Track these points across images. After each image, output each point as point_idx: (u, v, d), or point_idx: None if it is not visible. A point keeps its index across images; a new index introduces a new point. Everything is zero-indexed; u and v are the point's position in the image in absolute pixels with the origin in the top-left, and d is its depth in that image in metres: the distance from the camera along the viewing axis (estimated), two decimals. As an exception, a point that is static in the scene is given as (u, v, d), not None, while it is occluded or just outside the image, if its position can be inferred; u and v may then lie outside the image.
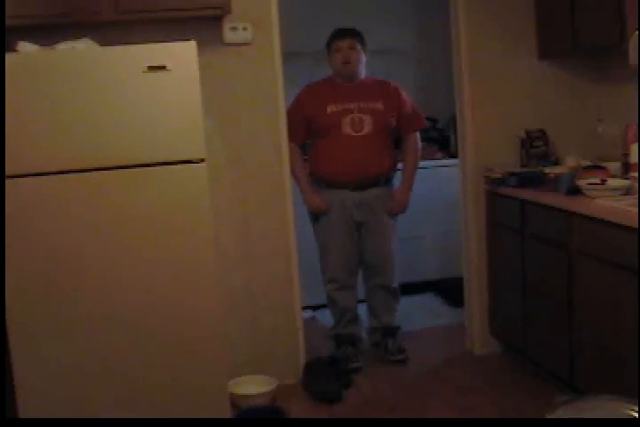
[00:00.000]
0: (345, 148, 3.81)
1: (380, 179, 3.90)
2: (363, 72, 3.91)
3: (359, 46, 3.86)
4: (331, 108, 3.81)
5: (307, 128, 3.86)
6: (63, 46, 2.90)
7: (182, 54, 2.87)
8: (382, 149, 3.88)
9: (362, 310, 4.13)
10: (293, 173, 3.84)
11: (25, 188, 2.81)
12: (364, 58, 3.88)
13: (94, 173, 2.85)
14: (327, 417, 3.39)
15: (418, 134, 4.06)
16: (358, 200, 3.87)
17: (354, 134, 3.80)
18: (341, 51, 3.84)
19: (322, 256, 3.99)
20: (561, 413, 1.91)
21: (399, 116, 3.91)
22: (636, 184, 3.18)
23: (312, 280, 4.17)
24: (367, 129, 3.81)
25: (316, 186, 3.92)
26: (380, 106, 3.84)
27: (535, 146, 3.86)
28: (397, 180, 4.03)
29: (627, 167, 3.44)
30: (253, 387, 3.52)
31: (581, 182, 3.33)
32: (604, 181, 3.30)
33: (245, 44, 3.51)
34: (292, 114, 3.79)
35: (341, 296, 3.97)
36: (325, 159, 3.86)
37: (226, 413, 3.07)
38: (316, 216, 3.94)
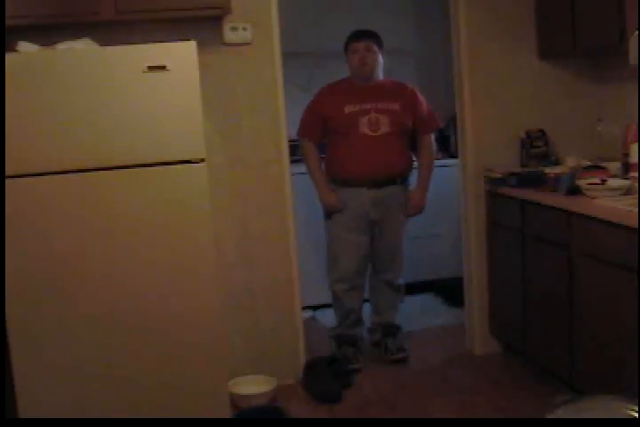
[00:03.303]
0: (362, 147, 3.82)
1: (397, 178, 3.91)
2: (380, 73, 3.92)
3: (375, 48, 3.86)
4: (348, 108, 3.82)
5: (324, 127, 3.87)
6: (63, 46, 2.91)
7: (182, 54, 2.87)
8: (399, 149, 3.89)
9: (364, 309, 4.12)
10: (309, 170, 3.88)
11: (25, 188, 2.81)
12: (380, 59, 3.89)
13: (94, 173, 2.85)
14: (327, 417, 3.40)
15: (432, 136, 4.07)
16: (374, 198, 3.87)
17: (371, 134, 3.81)
18: (358, 52, 3.85)
19: (331, 254, 3.97)
20: (561, 413, 1.91)
21: (415, 118, 3.92)
22: (636, 184, 3.18)
23: (312, 280, 4.16)
24: (384, 129, 3.82)
25: (332, 184, 3.92)
26: (396, 107, 3.85)
27: (535, 146, 3.86)
28: (413, 178, 4.02)
29: (627, 167, 3.44)
30: (253, 387, 3.52)
31: (581, 182, 3.33)
32: (604, 181, 3.30)
33: (245, 44, 3.51)
34: (310, 113, 3.85)
35: (349, 297, 3.97)
36: (342, 158, 3.87)
37: (226, 413, 3.07)
38: (329, 214, 3.94)
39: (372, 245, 3.97)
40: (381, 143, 3.82)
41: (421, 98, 3.98)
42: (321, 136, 3.92)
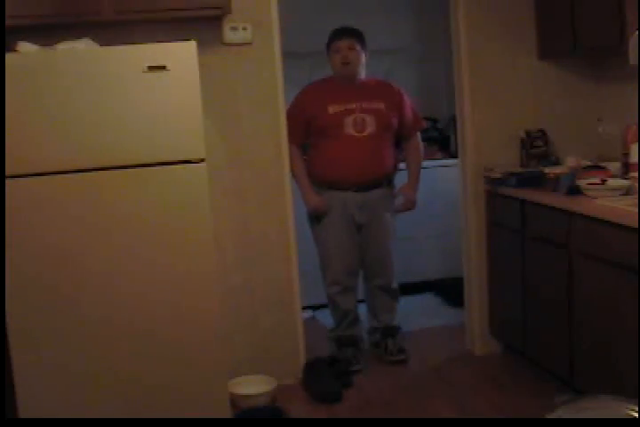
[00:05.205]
0: (347, 148, 3.79)
1: (383, 180, 3.89)
2: (363, 72, 3.89)
3: (358, 46, 3.82)
4: (333, 109, 3.78)
5: (306, 129, 3.84)
6: (63, 46, 2.90)
7: (182, 54, 2.87)
8: (385, 150, 3.87)
9: (362, 309, 4.13)
10: (293, 173, 3.82)
11: (25, 188, 2.81)
12: (363, 58, 3.85)
13: (94, 173, 2.85)
14: (327, 417, 3.39)
15: (419, 133, 4.07)
16: (361, 202, 3.86)
17: (356, 135, 3.78)
18: (340, 51, 3.81)
19: (322, 258, 3.97)
20: (561, 413, 1.91)
21: (401, 119, 3.91)
22: (636, 184, 3.18)
23: (312, 280, 4.16)
24: (370, 129, 3.79)
25: (317, 187, 3.90)
26: (382, 106, 3.82)
27: (535, 146, 3.86)
28: (398, 180, 4.03)
29: (627, 167, 3.44)
30: (253, 387, 3.52)
31: (581, 182, 3.33)
32: (603, 181, 3.30)
33: (245, 44, 3.51)
34: (291, 114, 3.76)
35: (343, 299, 3.96)
36: (327, 160, 3.84)
37: (226, 413, 3.07)
38: (316, 218, 3.92)
39: (361, 248, 3.96)
40: (367, 145, 3.79)
41: (407, 98, 3.96)
42: (303, 139, 3.86)
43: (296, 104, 3.86)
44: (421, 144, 4.08)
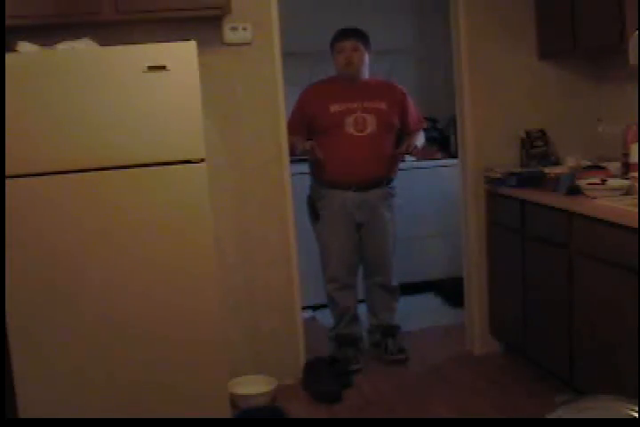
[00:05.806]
0: (348, 148, 3.80)
1: (383, 180, 3.90)
2: (366, 72, 3.91)
3: (362, 47, 3.84)
4: (334, 108, 3.80)
5: (308, 128, 3.85)
6: (63, 46, 2.90)
7: (182, 54, 2.87)
8: (385, 150, 3.87)
9: (362, 309, 4.13)
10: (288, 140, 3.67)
11: (25, 188, 2.81)
12: (367, 58, 3.87)
13: (94, 173, 2.85)
14: (327, 417, 3.39)
15: (422, 131, 4.10)
16: (360, 201, 3.86)
17: (357, 134, 3.79)
18: (344, 52, 3.83)
19: (322, 256, 3.98)
20: (561, 413, 1.91)
21: (403, 119, 3.92)
22: (636, 184, 3.18)
23: (312, 280, 4.17)
24: (370, 129, 3.80)
25: (318, 186, 3.91)
26: (383, 106, 3.83)
27: (535, 146, 3.86)
28: (397, 181, 4.03)
29: (627, 167, 3.44)
30: (253, 387, 3.52)
31: (581, 182, 3.33)
32: (604, 181, 3.30)
33: (245, 44, 3.51)
34: (295, 112, 3.81)
35: (341, 296, 3.97)
36: (328, 159, 3.84)
37: (226, 413, 3.06)
38: (316, 216, 3.93)
39: (360, 247, 3.96)
40: (367, 144, 3.80)
41: (410, 100, 3.98)
42: (305, 136, 3.87)
43: (298, 103, 3.90)
44: (423, 139, 4.09)
